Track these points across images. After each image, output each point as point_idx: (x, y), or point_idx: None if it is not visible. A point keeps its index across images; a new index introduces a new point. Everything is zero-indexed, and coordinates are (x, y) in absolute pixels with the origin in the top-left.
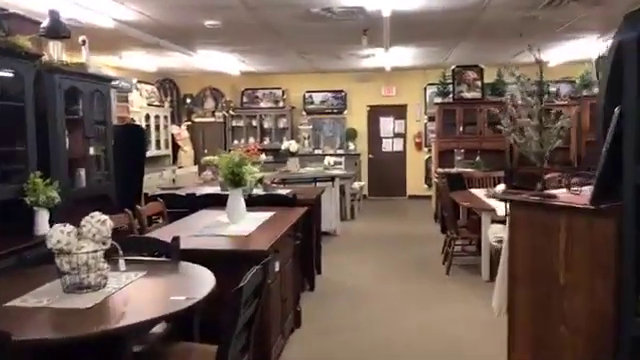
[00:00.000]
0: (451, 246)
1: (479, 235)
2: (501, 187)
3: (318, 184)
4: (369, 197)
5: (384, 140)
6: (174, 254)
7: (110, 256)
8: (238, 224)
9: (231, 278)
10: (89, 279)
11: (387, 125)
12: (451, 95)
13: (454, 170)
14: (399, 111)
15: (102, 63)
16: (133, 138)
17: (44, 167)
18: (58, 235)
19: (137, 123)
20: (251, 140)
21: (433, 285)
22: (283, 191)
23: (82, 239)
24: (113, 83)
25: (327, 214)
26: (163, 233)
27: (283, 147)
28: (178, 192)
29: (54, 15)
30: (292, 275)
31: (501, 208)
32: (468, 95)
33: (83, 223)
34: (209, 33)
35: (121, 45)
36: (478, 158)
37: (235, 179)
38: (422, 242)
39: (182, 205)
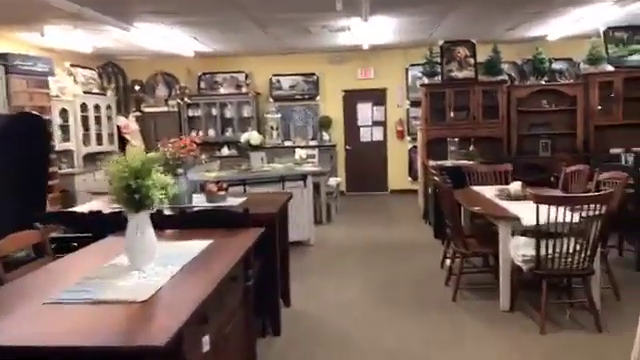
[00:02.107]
0: (454, 262)
1: (494, 249)
2: (516, 185)
3: (287, 184)
4: (347, 193)
5: (362, 129)
6: None
7: None
8: (143, 271)
9: None
10: None
11: (365, 112)
12: (439, 75)
13: (449, 163)
14: (378, 96)
15: (21, 41)
16: (29, 132)
17: None
18: None
19: (35, 112)
20: (211, 132)
21: (439, 319)
22: (235, 200)
23: None
24: (17, 63)
25: (299, 220)
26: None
27: (242, 139)
28: (81, 209)
29: None
30: (241, 337)
31: (529, 216)
32: (459, 75)
33: None
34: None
35: (35, 15)
36: (472, 147)
37: (133, 198)
38: (415, 251)
39: (84, 227)
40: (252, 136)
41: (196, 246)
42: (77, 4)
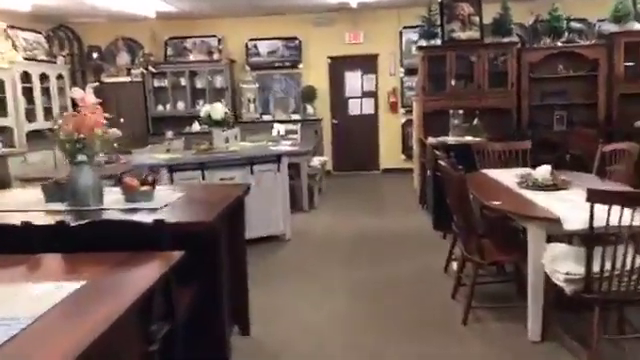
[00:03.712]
0: (463, 267)
1: (519, 257)
2: (543, 170)
3: (257, 167)
4: (334, 173)
5: (351, 101)
6: None
7: None
8: None
9: None
10: None
11: (354, 81)
12: (439, 37)
13: (452, 139)
14: (368, 63)
15: None
16: None
17: None
18: None
19: None
20: (180, 105)
21: (446, 352)
22: (166, 197)
23: None
24: None
25: (271, 211)
26: None
27: (202, 113)
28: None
29: None
30: None
31: (572, 216)
32: (462, 36)
33: None
34: None
35: None
36: (476, 121)
37: None
38: (411, 247)
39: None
40: (214, 109)
41: (55, 293)
42: None
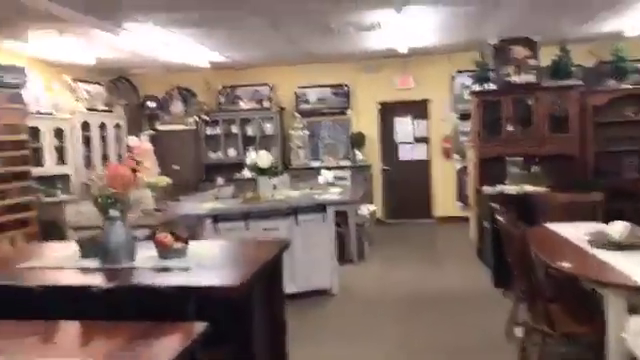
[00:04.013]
0: (528, 335)
1: (594, 328)
2: (621, 227)
3: (301, 217)
4: (385, 221)
5: (401, 147)
6: None
7: None
8: None
9: None
10: None
11: (405, 127)
12: (494, 81)
13: (511, 189)
14: (419, 108)
15: (13, 52)
16: None
17: None
18: None
19: None
20: (231, 152)
21: None
22: (200, 256)
23: None
24: None
25: (316, 263)
26: None
27: (248, 161)
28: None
29: None
30: None
31: None
32: (518, 80)
33: None
34: None
35: (8, 16)
36: (536, 168)
37: None
38: (470, 306)
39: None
40: (260, 157)
41: None
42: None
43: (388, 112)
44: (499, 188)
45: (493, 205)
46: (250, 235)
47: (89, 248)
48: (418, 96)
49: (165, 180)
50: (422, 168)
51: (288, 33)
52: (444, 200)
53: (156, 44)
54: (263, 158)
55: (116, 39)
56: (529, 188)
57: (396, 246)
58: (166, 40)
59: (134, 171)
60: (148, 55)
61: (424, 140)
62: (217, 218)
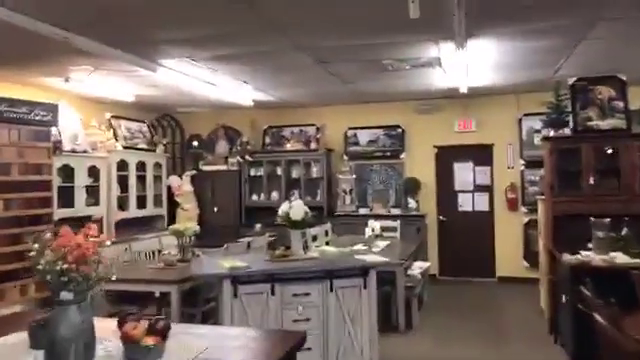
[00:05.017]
0: None
1: None
2: None
3: (337, 282)
4: (440, 278)
5: (461, 195)
6: None
7: None
8: None
9: None
10: None
11: (465, 174)
12: (571, 126)
13: (599, 260)
14: (482, 154)
15: (55, 90)
16: None
17: None
18: None
19: None
20: (274, 195)
21: None
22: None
23: None
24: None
25: (352, 335)
26: None
27: (280, 211)
28: None
29: None
30: None
31: None
32: (601, 125)
33: None
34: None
35: (38, 52)
36: (626, 231)
37: None
38: None
39: None
40: (294, 208)
41: None
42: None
43: (446, 157)
44: (585, 256)
45: (584, 291)
46: (275, 303)
47: (40, 337)
48: (480, 140)
49: (192, 229)
50: (483, 220)
51: (335, 70)
52: (508, 257)
53: (196, 82)
54: (297, 209)
55: (154, 76)
56: (621, 258)
57: (452, 312)
58: (206, 77)
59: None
60: (189, 93)
61: (486, 189)
62: (236, 279)
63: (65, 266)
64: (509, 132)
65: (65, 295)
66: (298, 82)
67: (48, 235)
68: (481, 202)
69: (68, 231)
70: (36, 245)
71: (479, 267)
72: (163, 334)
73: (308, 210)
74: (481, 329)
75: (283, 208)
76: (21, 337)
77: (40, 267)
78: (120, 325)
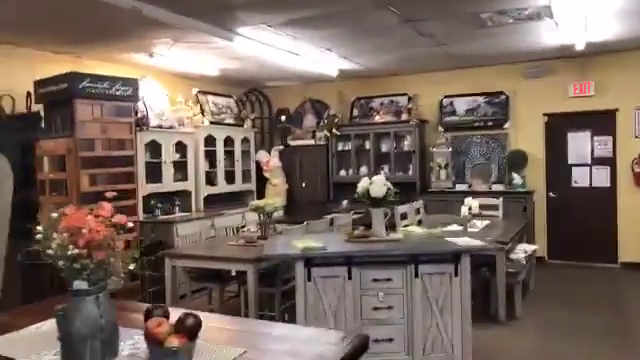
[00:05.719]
0: None
1: None
2: None
3: (423, 268)
4: (548, 261)
5: (575, 170)
6: None
7: None
8: None
9: None
10: None
11: (580, 145)
12: None
13: None
14: (602, 121)
15: (143, 66)
16: None
17: None
18: None
19: None
20: (363, 169)
21: None
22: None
23: None
24: (85, 85)
25: (441, 328)
26: None
27: (359, 188)
28: None
29: None
30: None
31: None
32: None
33: None
34: None
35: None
36: None
37: None
38: None
39: None
40: (375, 184)
41: None
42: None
43: (558, 126)
44: None
45: None
46: (352, 288)
47: (62, 328)
48: (600, 106)
49: (273, 205)
50: (603, 197)
51: (425, 29)
52: (634, 241)
53: (277, 52)
54: (377, 185)
55: (235, 47)
56: None
57: (563, 302)
58: (287, 46)
59: (108, 222)
60: (272, 65)
61: (607, 161)
62: (310, 262)
63: (76, 251)
64: (636, 95)
65: (79, 284)
66: (384, 46)
67: (54, 215)
68: (600, 177)
69: (75, 211)
70: (39, 227)
71: (597, 251)
72: (192, 333)
73: (391, 186)
74: (600, 324)
75: (362, 184)
76: (54, 326)
77: (51, 252)
78: (145, 319)
